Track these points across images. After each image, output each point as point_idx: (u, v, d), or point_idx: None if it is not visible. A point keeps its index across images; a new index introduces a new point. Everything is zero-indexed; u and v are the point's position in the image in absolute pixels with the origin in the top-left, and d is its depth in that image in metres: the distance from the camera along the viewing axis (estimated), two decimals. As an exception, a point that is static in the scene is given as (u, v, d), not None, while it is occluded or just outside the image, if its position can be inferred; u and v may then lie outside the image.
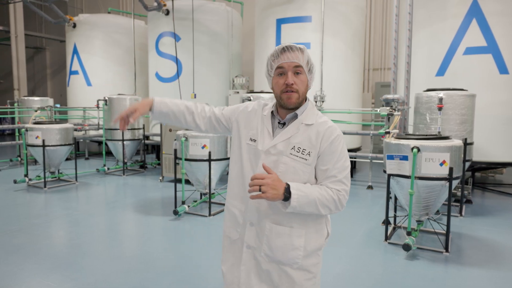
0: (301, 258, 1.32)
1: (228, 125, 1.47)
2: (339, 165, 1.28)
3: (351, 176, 6.64)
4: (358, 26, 6.90)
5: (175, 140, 4.36)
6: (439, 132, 3.75)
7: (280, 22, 6.62)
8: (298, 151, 1.28)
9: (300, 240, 1.31)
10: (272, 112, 1.37)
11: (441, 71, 5.35)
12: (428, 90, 4.57)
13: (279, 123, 1.35)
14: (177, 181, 4.42)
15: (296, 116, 1.32)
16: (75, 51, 9.17)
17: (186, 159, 4.21)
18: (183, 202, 4.31)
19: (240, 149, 1.39)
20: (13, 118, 9.54)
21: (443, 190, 3.19)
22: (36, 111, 6.64)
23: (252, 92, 6.49)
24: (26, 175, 5.76)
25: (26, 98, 8.67)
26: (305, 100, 1.34)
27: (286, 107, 1.30)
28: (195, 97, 7.24)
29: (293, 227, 1.31)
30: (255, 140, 1.34)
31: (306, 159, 1.28)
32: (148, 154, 9.39)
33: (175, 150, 4.29)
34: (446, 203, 3.28)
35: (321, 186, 1.29)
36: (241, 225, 1.40)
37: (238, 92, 7.17)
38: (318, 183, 1.31)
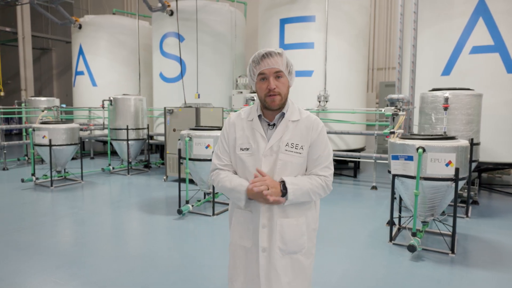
0: (306, 241, 1.46)
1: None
2: (326, 152, 1.44)
3: (355, 176, 6.62)
4: (362, 26, 6.86)
5: (179, 140, 4.38)
6: (444, 132, 3.71)
7: (283, 22, 6.61)
8: (292, 146, 1.39)
9: (303, 226, 1.45)
10: (259, 116, 1.45)
11: (446, 71, 5.30)
12: (434, 89, 4.53)
13: (268, 125, 1.44)
14: (181, 180, 4.44)
15: (283, 115, 1.42)
16: (80, 52, 9.26)
17: (190, 159, 4.23)
18: (187, 202, 4.33)
19: (240, 161, 1.45)
20: (20, 118, 9.67)
21: (449, 191, 3.16)
22: (43, 111, 6.72)
23: (255, 92, 6.48)
24: (33, 174, 5.84)
25: (33, 98, 8.79)
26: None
27: (271, 109, 1.40)
28: (198, 97, 7.27)
29: (295, 217, 1.44)
30: (247, 149, 1.42)
31: (300, 153, 1.40)
32: (152, 154, 9.45)
33: (179, 150, 4.31)
34: (452, 204, 3.25)
35: (310, 176, 1.42)
36: (252, 231, 1.45)
37: (241, 92, 7.18)
38: (308, 171, 1.44)
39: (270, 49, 1.37)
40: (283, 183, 1.35)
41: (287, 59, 1.38)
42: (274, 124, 1.43)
